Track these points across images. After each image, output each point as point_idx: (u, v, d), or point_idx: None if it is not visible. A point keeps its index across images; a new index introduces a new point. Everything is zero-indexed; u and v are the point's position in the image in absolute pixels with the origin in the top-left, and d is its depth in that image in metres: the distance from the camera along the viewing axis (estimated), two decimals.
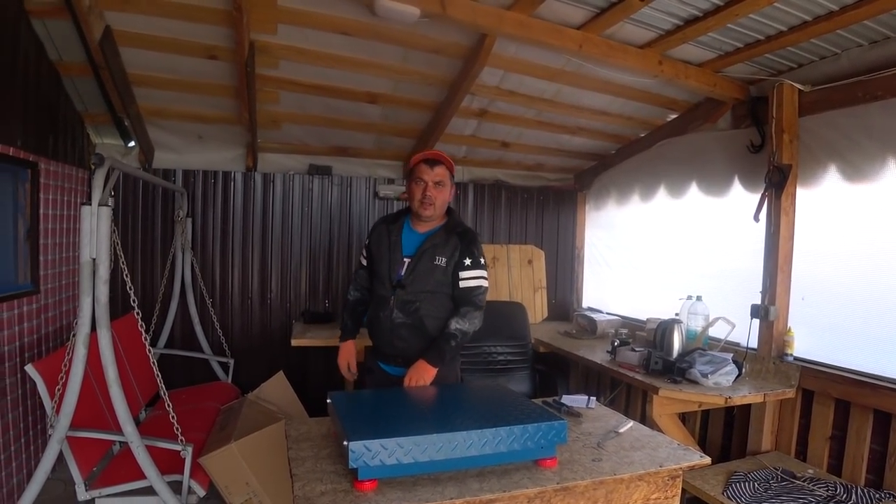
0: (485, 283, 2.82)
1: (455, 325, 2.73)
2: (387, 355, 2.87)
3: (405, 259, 2.79)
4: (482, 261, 2.83)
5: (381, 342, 2.87)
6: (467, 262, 2.78)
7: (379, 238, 2.90)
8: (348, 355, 2.99)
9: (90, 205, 2.69)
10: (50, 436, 2.80)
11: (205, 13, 3.18)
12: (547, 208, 5.80)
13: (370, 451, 1.75)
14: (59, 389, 2.85)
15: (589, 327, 4.93)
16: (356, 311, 3.04)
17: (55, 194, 3.72)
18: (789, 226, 3.59)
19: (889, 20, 2.95)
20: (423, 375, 2.64)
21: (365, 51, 3.62)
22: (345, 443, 1.76)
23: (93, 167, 2.69)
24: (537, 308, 5.56)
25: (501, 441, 1.89)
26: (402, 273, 2.77)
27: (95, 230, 2.70)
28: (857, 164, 3.26)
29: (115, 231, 2.86)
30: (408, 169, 2.86)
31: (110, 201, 2.76)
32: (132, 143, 4.56)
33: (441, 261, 2.76)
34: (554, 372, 4.35)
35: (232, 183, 4.85)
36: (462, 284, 2.78)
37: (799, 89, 3.53)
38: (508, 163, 5.57)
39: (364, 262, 3.03)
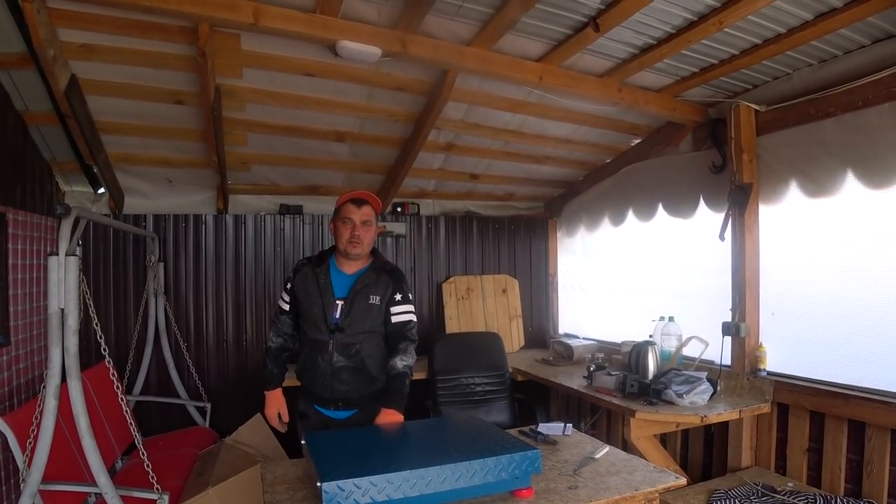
0: (415, 318, 2.87)
1: (401, 363, 2.75)
2: (326, 399, 2.83)
3: (338, 301, 2.78)
4: (410, 296, 2.89)
5: (319, 387, 2.81)
6: (398, 297, 2.83)
7: (305, 280, 2.87)
8: (279, 404, 2.93)
9: (57, 255, 2.66)
10: (22, 490, 2.73)
11: (169, 59, 3.20)
12: (519, 237, 5.83)
13: (343, 492, 1.74)
14: (30, 442, 2.79)
15: (566, 353, 4.94)
16: (280, 358, 2.96)
17: (24, 244, 3.67)
18: (754, 243, 3.66)
19: (834, 39, 3.07)
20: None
21: (330, 91, 3.67)
22: (318, 484, 1.75)
23: (59, 218, 2.67)
24: (514, 337, 5.57)
25: (475, 474, 1.90)
26: (338, 315, 2.76)
27: (63, 280, 2.66)
28: (817, 179, 3.35)
29: (83, 280, 2.83)
30: (335, 209, 2.87)
31: (78, 250, 2.74)
32: (102, 190, 4.53)
33: (375, 299, 2.79)
34: (533, 400, 4.36)
35: (203, 226, 4.83)
36: (395, 319, 2.81)
37: (755, 109, 3.64)
38: (478, 194, 5.63)
39: (286, 307, 2.94)
